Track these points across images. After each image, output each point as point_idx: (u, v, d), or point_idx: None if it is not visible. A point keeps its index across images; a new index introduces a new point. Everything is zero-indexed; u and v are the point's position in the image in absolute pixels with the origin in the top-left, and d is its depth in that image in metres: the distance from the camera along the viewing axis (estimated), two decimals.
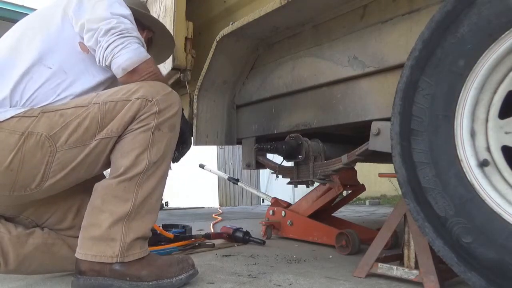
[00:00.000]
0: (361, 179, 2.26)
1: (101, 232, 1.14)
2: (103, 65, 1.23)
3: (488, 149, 0.99)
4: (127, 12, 1.29)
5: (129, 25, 1.25)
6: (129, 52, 1.20)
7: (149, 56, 1.26)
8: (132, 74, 1.22)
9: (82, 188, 1.30)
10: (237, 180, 3.10)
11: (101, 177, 1.31)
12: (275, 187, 5.69)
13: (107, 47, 1.19)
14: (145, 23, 1.55)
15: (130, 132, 1.17)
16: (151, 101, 1.18)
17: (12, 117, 1.10)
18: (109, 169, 1.23)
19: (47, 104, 1.17)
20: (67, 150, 1.13)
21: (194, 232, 2.26)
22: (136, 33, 1.27)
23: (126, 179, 1.15)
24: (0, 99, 1.13)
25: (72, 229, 1.33)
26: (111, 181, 1.16)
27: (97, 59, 1.23)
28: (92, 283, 1.15)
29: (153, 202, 1.21)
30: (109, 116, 1.15)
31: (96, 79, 1.27)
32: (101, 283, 1.14)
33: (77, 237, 1.21)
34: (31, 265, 1.26)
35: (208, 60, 1.81)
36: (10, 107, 1.14)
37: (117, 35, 1.20)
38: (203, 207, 6.01)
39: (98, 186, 1.18)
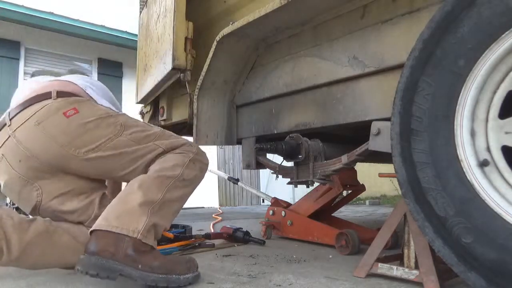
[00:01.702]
0: (361, 179, 2.26)
1: (132, 206, 1.23)
2: None
3: (488, 149, 0.99)
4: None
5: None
6: None
7: None
8: None
9: (98, 182, 1.47)
10: (237, 180, 3.10)
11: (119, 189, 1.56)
12: (275, 187, 5.68)
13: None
14: None
15: (173, 153, 1.41)
16: (192, 146, 1.48)
17: (102, 105, 1.51)
18: None
19: None
20: (127, 139, 1.39)
21: (194, 232, 2.26)
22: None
23: (163, 176, 1.32)
24: None
25: (74, 213, 1.38)
26: (150, 174, 1.34)
27: None
28: (103, 264, 1.14)
29: (171, 210, 1.34)
30: (163, 136, 1.46)
31: None
32: (111, 266, 1.15)
33: (77, 223, 1.37)
34: (32, 254, 1.25)
35: (208, 60, 1.81)
36: None
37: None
38: (203, 207, 6.00)
39: (139, 177, 1.34)
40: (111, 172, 1.41)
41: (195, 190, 1.46)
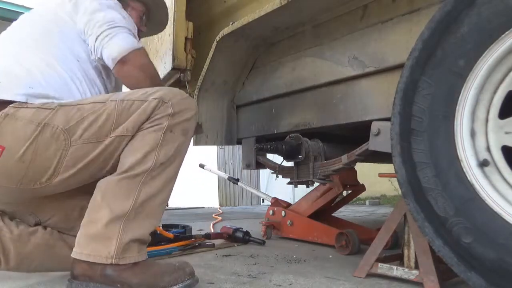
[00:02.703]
0: (361, 179, 2.26)
1: (97, 230, 1.10)
2: (96, 58, 1.28)
3: (488, 149, 0.99)
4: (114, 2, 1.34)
5: (117, 15, 1.29)
6: (118, 41, 1.24)
7: (141, 46, 1.30)
8: (123, 64, 1.25)
9: (88, 189, 1.25)
10: (237, 180, 3.10)
11: None
12: (275, 187, 5.68)
13: (96, 39, 1.24)
14: None
15: (141, 131, 1.15)
16: (166, 103, 1.16)
17: (27, 107, 1.10)
18: None
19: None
20: (82, 145, 1.12)
21: (194, 232, 2.26)
22: (125, 22, 1.30)
23: (129, 176, 1.12)
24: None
25: (74, 229, 1.30)
26: (114, 177, 1.13)
27: (90, 53, 1.28)
28: None
29: (155, 205, 1.16)
30: (125, 114, 1.14)
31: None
32: None
33: None
34: (31, 264, 1.27)
35: (208, 60, 1.81)
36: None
37: (106, 26, 1.24)
38: (203, 207, 6.00)
39: (101, 182, 1.16)
40: (91, 178, 1.20)
41: (183, 162, 1.22)
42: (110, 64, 1.25)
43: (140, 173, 1.12)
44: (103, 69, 1.34)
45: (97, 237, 1.11)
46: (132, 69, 1.26)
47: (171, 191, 1.21)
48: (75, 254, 1.14)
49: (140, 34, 1.55)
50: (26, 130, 1.08)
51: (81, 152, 1.12)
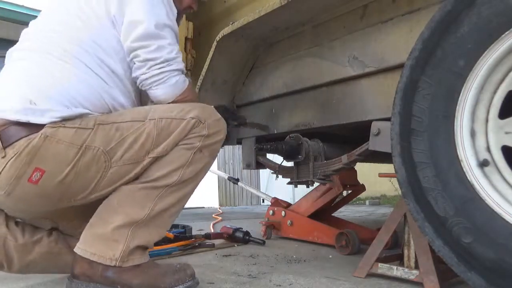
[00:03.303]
0: (361, 179, 2.26)
1: (106, 231, 1.11)
2: (138, 86, 1.24)
3: (488, 149, 0.99)
4: (170, 16, 1.25)
5: (171, 46, 1.21)
6: (167, 88, 1.22)
7: (187, 84, 1.27)
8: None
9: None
10: (237, 180, 3.10)
11: None
12: (275, 187, 5.68)
13: (146, 79, 1.20)
14: None
15: (175, 149, 1.16)
16: (203, 123, 1.17)
17: (65, 126, 1.06)
18: None
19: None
20: (121, 166, 1.11)
21: (194, 232, 2.26)
22: (177, 54, 1.23)
23: (150, 187, 1.14)
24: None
25: None
26: (135, 185, 1.14)
27: (134, 75, 1.22)
28: None
29: (166, 217, 1.18)
30: (164, 133, 1.14)
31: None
32: None
33: None
34: (34, 269, 1.28)
35: (208, 60, 1.81)
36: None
37: (157, 69, 1.19)
38: (203, 207, 6.00)
39: (120, 187, 1.15)
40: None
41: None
42: (155, 101, 1.25)
43: (161, 186, 1.14)
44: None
45: (104, 238, 1.12)
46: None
47: (184, 206, 1.24)
48: (79, 250, 1.14)
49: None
50: (68, 153, 1.05)
51: (120, 172, 1.12)
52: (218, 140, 1.23)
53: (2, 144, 1.02)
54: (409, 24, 1.28)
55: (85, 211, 1.21)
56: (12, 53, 1.18)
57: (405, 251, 1.30)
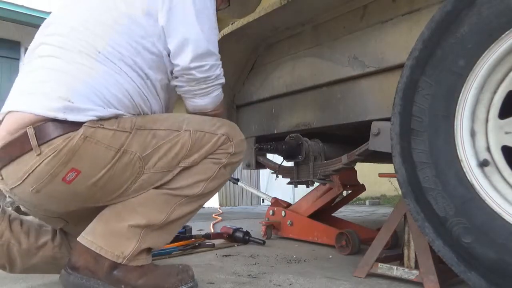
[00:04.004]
0: (361, 179, 2.26)
1: (121, 228, 1.10)
2: (176, 91, 1.25)
3: (488, 149, 0.99)
4: (216, 25, 1.25)
5: (219, 61, 1.23)
6: (209, 99, 1.24)
7: (222, 97, 1.30)
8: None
9: None
10: (237, 180, 3.10)
11: None
12: (275, 187, 5.69)
13: (192, 91, 1.21)
14: None
15: (203, 161, 1.18)
16: (231, 141, 1.21)
17: (104, 127, 1.04)
18: None
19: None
20: (153, 173, 1.12)
21: (194, 232, 2.26)
22: (222, 69, 1.25)
23: (172, 194, 1.14)
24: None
25: None
26: (159, 190, 1.14)
27: (179, 85, 1.22)
28: (82, 284, 1.09)
29: (177, 225, 1.20)
30: (197, 146, 1.16)
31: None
32: (91, 286, 1.09)
33: None
34: (35, 271, 1.28)
35: None
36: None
37: (206, 84, 1.21)
38: (203, 207, 6.01)
39: (141, 193, 1.15)
40: None
41: None
42: (190, 109, 1.26)
43: (182, 195, 1.15)
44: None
45: (117, 234, 1.10)
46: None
47: (192, 216, 1.24)
48: (86, 241, 1.10)
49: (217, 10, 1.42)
50: (106, 156, 1.04)
51: (151, 179, 1.12)
52: (240, 160, 1.26)
53: (37, 141, 0.99)
54: (409, 24, 1.29)
55: (99, 212, 1.19)
56: (39, 47, 1.12)
57: (405, 251, 1.30)
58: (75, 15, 1.16)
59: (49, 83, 1.04)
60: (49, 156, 0.99)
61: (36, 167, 1.00)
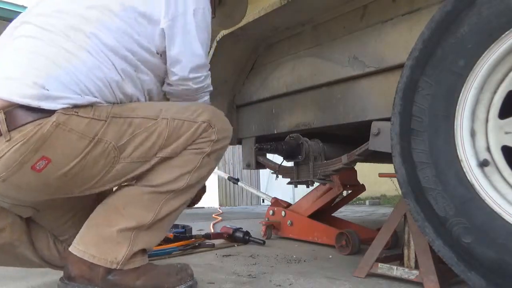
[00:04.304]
0: (361, 179, 2.26)
1: (110, 233, 1.08)
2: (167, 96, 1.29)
3: (488, 149, 1.00)
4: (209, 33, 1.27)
5: (209, 71, 1.29)
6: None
7: (209, 102, 1.34)
8: None
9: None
10: (237, 180, 3.10)
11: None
12: (275, 187, 5.68)
13: (181, 95, 1.26)
14: None
15: (184, 152, 1.14)
16: (213, 128, 1.16)
17: (78, 115, 0.99)
18: None
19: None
20: (129, 163, 1.08)
21: (194, 232, 2.26)
22: (210, 79, 1.31)
23: (158, 192, 1.11)
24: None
25: (64, 230, 1.26)
26: (142, 189, 1.11)
27: (169, 90, 1.26)
28: None
29: (168, 221, 1.17)
30: (175, 134, 1.11)
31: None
32: None
33: (62, 238, 1.23)
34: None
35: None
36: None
37: (197, 92, 1.27)
38: (203, 207, 6.00)
39: (124, 189, 1.13)
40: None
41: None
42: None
43: (167, 191, 1.12)
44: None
45: (107, 240, 1.09)
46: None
47: (184, 208, 1.21)
48: (78, 251, 1.10)
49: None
50: (78, 145, 0.99)
51: (125, 169, 1.08)
52: (225, 145, 1.21)
53: (7, 127, 0.94)
54: (409, 24, 1.29)
55: (72, 201, 1.18)
56: (20, 26, 1.06)
57: (405, 251, 1.30)
58: (69, 1, 1.10)
59: (25, 67, 0.99)
60: (18, 142, 0.94)
61: (5, 153, 0.95)
